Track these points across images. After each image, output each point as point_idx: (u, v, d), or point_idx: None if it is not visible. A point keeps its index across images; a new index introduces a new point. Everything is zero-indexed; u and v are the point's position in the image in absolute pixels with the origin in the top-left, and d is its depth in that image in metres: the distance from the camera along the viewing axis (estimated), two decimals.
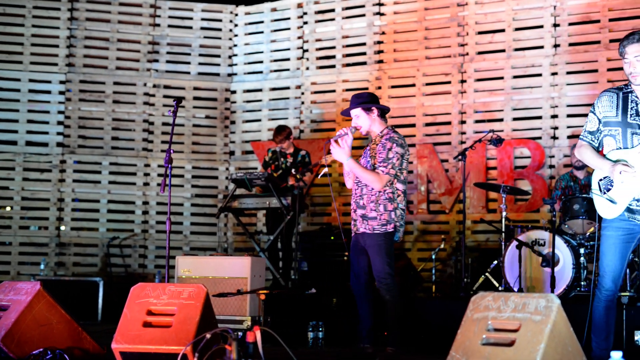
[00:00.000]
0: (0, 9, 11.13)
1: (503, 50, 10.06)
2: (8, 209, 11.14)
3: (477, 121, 10.08)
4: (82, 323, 5.67)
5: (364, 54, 10.85)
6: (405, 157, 5.97)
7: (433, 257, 9.11)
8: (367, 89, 10.66)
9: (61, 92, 11.15)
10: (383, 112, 6.12)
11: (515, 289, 7.66)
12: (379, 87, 10.60)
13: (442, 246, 9.33)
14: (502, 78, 10.03)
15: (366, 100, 6.03)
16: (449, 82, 10.28)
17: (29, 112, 11.08)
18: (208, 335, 4.42)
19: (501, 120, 9.95)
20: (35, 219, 11.03)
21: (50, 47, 11.21)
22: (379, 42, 10.75)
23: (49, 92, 11.15)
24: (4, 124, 11.03)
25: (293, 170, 8.99)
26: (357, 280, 6.09)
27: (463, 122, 10.14)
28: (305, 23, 11.19)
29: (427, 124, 10.34)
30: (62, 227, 11.00)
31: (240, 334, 4.79)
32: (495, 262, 8.31)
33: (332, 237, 9.47)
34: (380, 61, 10.71)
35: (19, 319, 5.15)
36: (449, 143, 10.20)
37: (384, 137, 5.98)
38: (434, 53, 10.44)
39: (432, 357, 6.28)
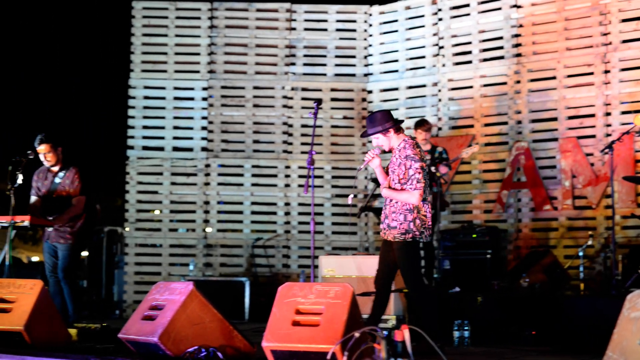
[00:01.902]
0: (145, 21, 11.63)
1: None
2: (157, 212, 11.62)
3: (623, 112, 9.70)
4: (231, 322, 5.82)
5: (501, 48, 10.64)
6: (424, 168, 6.19)
7: (580, 254, 8.81)
8: (505, 83, 10.48)
9: (204, 98, 11.53)
10: (397, 126, 6.37)
11: None
12: (518, 81, 10.39)
13: (589, 243, 9.02)
14: None
15: (380, 123, 6.30)
16: (591, 73, 9.95)
17: (174, 119, 11.52)
18: (357, 334, 4.46)
19: None
20: (183, 222, 11.45)
21: (193, 55, 11.62)
22: (517, 35, 10.52)
23: (192, 98, 11.55)
24: (152, 131, 11.52)
25: (433, 168, 8.92)
26: (378, 277, 6.42)
27: (608, 113, 9.79)
28: (440, 19, 11.09)
29: (570, 117, 10.04)
30: (209, 229, 11.36)
31: (385, 332, 4.79)
32: None
33: (475, 235, 9.35)
34: (519, 54, 10.48)
35: (174, 317, 5.34)
36: (593, 136, 9.87)
37: (401, 155, 6.23)
38: (575, 44, 10.13)
39: (582, 356, 6.09)
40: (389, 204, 6.33)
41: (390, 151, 6.41)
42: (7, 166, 7.28)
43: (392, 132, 6.30)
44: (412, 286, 6.22)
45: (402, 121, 6.51)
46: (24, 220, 7.05)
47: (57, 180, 7.60)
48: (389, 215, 6.28)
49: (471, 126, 10.69)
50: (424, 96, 11.14)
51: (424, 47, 11.24)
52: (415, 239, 6.18)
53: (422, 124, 9.34)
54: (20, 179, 7.25)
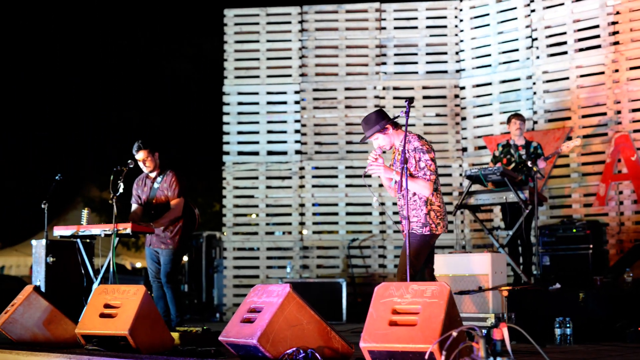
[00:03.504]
0: (237, 28, 11.82)
1: None
2: (254, 216, 11.78)
3: None
4: (328, 323, 5.85)
5: (597, 36, 10.36)
6: (434, 159, 6.07)
7: None
8: (603, 73, 10.20)
9: (296, 102, 11.63)
10: (395, 122, 6.20)
11: None
12: (616, 70, 10.08)
13: None
14: None
15: (377, 122, 6.14)
16: None
17: (268, 123, 11.66)
18: (454, 333, 4.41)
19: None
20: (279, 225, 11.57)
21: (284, 60, 11.74)
22: (614, 23, 10.22)
23: (285, 102, 11.67)
24: (247, 136, 11.70)
25: (529, 163, 8.75)
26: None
27: None
28: (533, 11, 10.87)
29: None
30: (305, 231, 11.45)
31: (484, 331, 4.70)
32: None
33: (575, 230, 9.13)
34: (616, 43, 10.18)
35: (273, 319, 5.39)
36: None
37: (408, 149, 6.03)
38: None
39: None
40: (409, 205, 6.11)
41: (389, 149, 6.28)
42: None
43: (390, 129, 6.17)
44: (407, 271, 6.07)
45: (397, 117, 6.34)
46: (126, 228, 7.24)
47: (155, 185, 7.76)
48: (410, 214, 6.13)
49: (568, 118, 10.44)
50: (518, 90, 10.95)
51: (516, 39, 11.04)
52: (432, 232, 6.10)
53: (515, 114, 9.25)
54: (121, 187, 7.44)
